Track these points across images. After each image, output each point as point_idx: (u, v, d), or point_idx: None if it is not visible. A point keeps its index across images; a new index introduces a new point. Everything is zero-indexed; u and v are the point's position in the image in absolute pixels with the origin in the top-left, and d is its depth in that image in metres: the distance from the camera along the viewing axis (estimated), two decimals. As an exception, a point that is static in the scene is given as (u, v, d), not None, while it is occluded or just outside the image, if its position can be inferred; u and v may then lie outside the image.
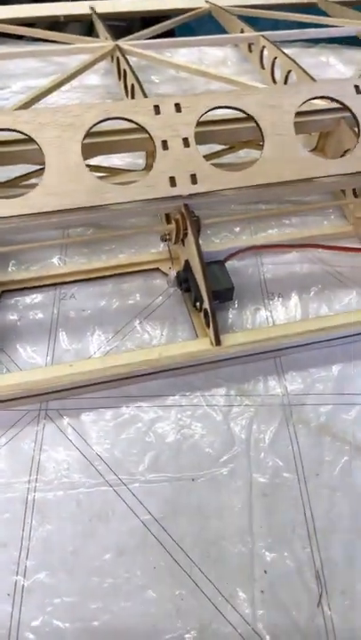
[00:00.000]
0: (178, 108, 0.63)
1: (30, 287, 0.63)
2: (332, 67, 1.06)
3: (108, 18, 1.10)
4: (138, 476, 0.49)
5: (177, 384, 0.56)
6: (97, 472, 0.49)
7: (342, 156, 0.68)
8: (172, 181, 0.60)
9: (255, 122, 0.64)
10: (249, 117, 0.65)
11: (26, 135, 0.59)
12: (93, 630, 0.41)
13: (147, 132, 0.62)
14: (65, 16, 1.14)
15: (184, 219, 0.59)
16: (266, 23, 1.13)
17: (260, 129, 0.64)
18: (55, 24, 1.15)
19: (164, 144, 0.61)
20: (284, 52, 0.86)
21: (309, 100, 0.67)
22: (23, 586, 0.43)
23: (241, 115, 0.68)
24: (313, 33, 1.01)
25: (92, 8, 1.12)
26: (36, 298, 0.63)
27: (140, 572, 0.44)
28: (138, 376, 0.55)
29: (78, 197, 0.57)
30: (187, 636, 0.41)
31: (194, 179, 0.60)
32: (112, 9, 1.14)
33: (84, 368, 0.53)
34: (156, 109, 0.63)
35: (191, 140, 0.62)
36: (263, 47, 0.96)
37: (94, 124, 0.61)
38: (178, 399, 0.55)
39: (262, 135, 0.63)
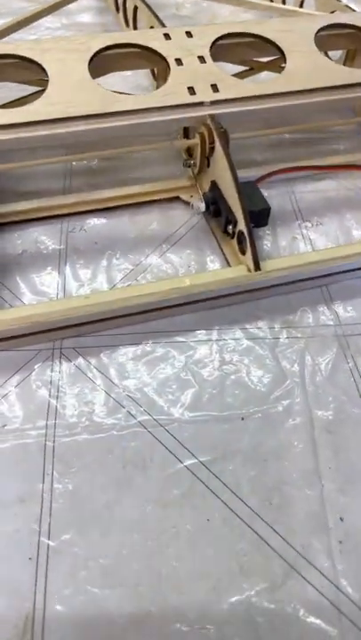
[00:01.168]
0: (189, 34, 0.58)
1: (34, 219, 0.55)
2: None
3: None
4: (177, 416, 0.41)
5: (212, 317, 0.48)
6: (128, 414, 0.41)
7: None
8: (192, 91, 0.53)
9: (274, 44, 0.58)
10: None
11: (28, 60, 0.52)
12: (139, 596, 0.33)
13: (158, 54, 0.55)
14: None
15: (210, 131, 0.51)
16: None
17: (281, 49, 0.58)
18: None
19: (178, 61, 0.55)
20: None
21: (326, 26, 0.60)
22: (48, 547, 0.35)
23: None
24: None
25: None
26: (41, 231, 0.54)
27: (191, 525, 0.36)
28: (166, 308, 0.47)
29: (86, 105, 0.50)
30: (254, 599, 0.33)
31: (215, 88, 0.53)
32: None
33: (103, 299, 0.45)
34: (167, 36, 0.57)
35: (207, 58, 0.56)
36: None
37: (100, 49, 0.54)
38: (215, 333, 0.47)
39: (283, 54, 0.57)
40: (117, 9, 0.81)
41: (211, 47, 0.56)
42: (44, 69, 0.52)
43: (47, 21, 0.85)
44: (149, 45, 0.56)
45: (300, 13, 0.72)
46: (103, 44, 0.55)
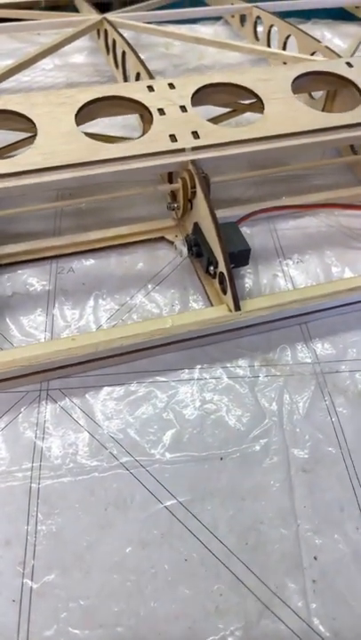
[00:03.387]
0: (171, 86, 0.61)
1: (23, 261, 0.57)
2: (329, 41, 1.01)
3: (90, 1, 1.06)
4: (158, 457, 0.42)
5: (194, 356, 0.50)
6: (110, 455, 0.42)
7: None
8: (173, 138, 0.55)
9: (252, 92, 0.61)
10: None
11: (17, 114, 0.55)
12: (118, 637, 0.34)
13: (142, 104, 0.58)
14: (46, 0, 1.09)
15: (191, 176, 0.54)
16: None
17: (259, 96, 0.61)
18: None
19: (161, 111, 0.58)
20: (281, 18, 0.82)
21: (303, 74, 0.63)
22: (31, 589, 0.36)
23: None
24: (306, 4, 0.97)
25: (73, -9, 1.07)
26: (31, 272, 0.56)
27: (169, 565, 0.37)
28: (149, 348, 0.49)
29: (72, 155, 0.52)
30: (230, 638, 0.35)
31: (196, 135, 0.56)
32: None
33: (89, 341, 0.46)
34: (150, 88, 0.60)
35: (188, 107, 0.58)
36: (257, 18, 0.91)
37: (87, 102, 0.57)
38: (196, 372, 0.49)
39: (260, 101, 0.60)
40: (108, 51, 0.85)
41: (192, 96, 0.59)
42: (33, 122, 0.54)
43: (41, 62, 0.88)
44: (134, 98, 0.59)
45: (282, 56, 0.75)
46: (90, 97, 0.58)
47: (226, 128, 0.58)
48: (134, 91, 0.59)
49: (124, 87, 0.61)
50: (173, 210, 0.57)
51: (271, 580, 0.37)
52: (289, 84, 0.62)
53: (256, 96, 0.61)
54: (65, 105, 0.57)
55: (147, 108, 0.58)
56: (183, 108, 0.58)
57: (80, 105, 0.57)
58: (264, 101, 0.60)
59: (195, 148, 0.55)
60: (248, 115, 0.71)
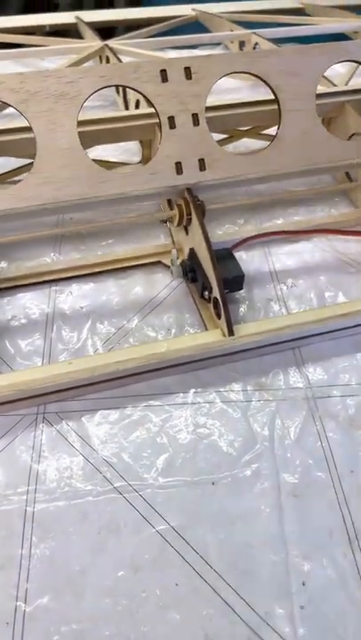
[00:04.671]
0: (188, 73, 0.55)
1: (23, 285, 0.58)
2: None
3: (93, 27, 1.08)
4: (151, 482, 0.43)
5: (188, 380, 0.51)
6: (104, 479, 0.43)
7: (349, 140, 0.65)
8: (179, 168, 0.55)
9: (273, 92, 0.57)
10: (257, 102, 0.62)
11: (10, 106, 0.53)
12: (108, 662, 0.35)
13: (152, 104, 0.55)
14: (50, 26, 1.12)
15: (187, 204, 0.55)
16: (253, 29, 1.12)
17: (278, 102, 0.57)
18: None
19: (171, 121, 0.55)
20: (279, 46, 0.84)
21: (338, 62, 0.62)
22: (24, 612, 0.37)
23: (244, 100, 0.66)
24: (304, 30, 0.99)
25: (77, 17, 1.10)
26: (30, 296, 0.58)
27: (160, 590, 0.38)
28: (144, 372, 0.49)
29: (75, 187, 0.52)
30: (218, 663, 0.35)
31: (202, 164, 0.55)
32: (98, 18, 1.12)
33: (85, 365, 0.47)
34: (163, 75, 0.55)
35: (201, 117, 0.55)
36: (255, 44, 0.93)
37: (91, 94, 0.53)
38: (190, 396, 0.50)
39: (279, 109, 0.57)
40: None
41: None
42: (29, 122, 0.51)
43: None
44: (143, 92, 0.55)
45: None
46: (94, 85, 0.53)
47: (234, 157, 0.56)
48: (145, 77, 0.55)
49: (132, 71, 0.54)
50: (166, 222, 0.58)
51: (260, 605, 0.37)
52: (315, 86, 0.58)
53: (277, 100, 0.57)
54: (66, 98, 0.52)
55: (157, 113, 0.55)
56: (195, 119, 0.55)
57: (83, 99, 0.52)
58: (282, 111, 0.57)
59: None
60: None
